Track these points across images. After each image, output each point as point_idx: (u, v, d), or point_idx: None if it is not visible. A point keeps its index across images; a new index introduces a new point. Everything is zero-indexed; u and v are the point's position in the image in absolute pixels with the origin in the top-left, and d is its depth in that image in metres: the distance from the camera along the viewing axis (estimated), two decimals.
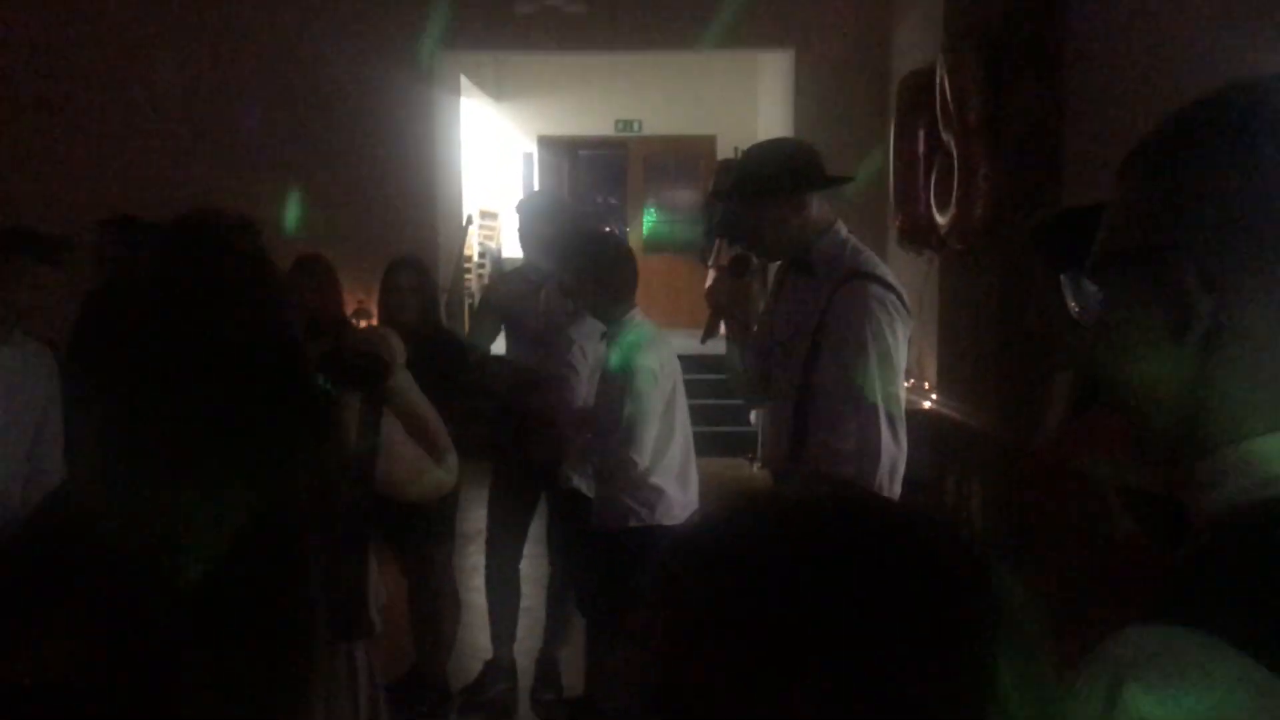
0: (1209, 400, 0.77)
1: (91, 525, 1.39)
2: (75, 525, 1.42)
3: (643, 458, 3.23)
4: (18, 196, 6.70)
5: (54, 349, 3.22)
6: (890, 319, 2.63)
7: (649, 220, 12.43)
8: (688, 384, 3.47)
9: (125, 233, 4.15)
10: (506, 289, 4.32)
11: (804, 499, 0.59)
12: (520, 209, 4.15)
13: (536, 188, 11.37)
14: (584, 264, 3.40)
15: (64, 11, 7.56)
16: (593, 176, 12.70)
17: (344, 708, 1.80)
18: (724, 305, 2.99)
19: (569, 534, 3.87)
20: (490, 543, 4.18)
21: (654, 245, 12.17)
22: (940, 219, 5.44)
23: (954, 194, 5.14)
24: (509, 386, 4.01)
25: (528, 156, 12.21)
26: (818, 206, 2.78)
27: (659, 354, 3.31)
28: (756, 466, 7.82)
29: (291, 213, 6.91)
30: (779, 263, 3.01)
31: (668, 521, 3.30)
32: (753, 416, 6.94)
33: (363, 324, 5.57)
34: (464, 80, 9.36)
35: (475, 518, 5.01)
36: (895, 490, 2.62)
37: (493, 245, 11.20)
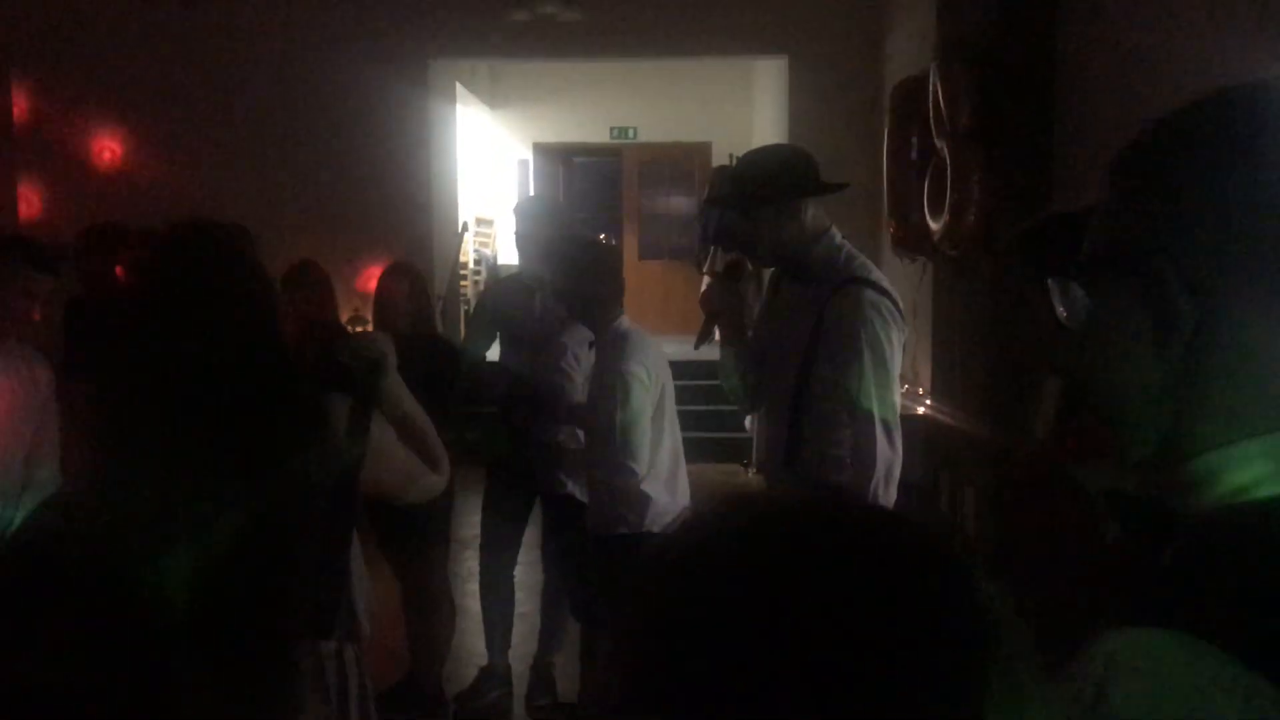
0: (1192, 404, 0.77)
1: (86, 529, 1.39)
2: (70, 531, 1.43)
3: (641, 465, 3.23)
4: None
5: (48, 355, 3.22)
6: (885, 324, 2.63)
7: (644, 226, 12.44)
8: (682, 390, 3.46)
9: (105, 240, 4.14)
10: (502, 295, 4.34)
11: (785, 502, 0.59)
12: (518, 211, 4.20)
13: (532, 194, 11.37)
14: (571, 270, 3.40)
15: (64, 11, 7.56)
16: (588, 183, 12.69)
17: (334, 712, 1.80)
18: (718, 311, 2.99)
19: (563, 540, 3.87)
20: (485, 548, 4.17)
21: (648, 251, 12.18)
22: (934, 225, 5.44)
23: (947, 200, 5.14)
24: (503, 393, 4.02)
25: (523, 163, 12.22)
26: (813, 213, 2.77)
27: (646, 359, 3.30)
28: (751, 472, 7.82)
29: (287, 219, 6.91)
30: (773, 269, 3.01)
31: (657, 528, 3.28)
32: (748, 422, 6.93)
33: (358, 330, 5.57)
34: (459, 88, 9.36)
35: (470, 523, 5.01)
36: (891, 495, 2.62)
37: (488, 251, 11.21)
